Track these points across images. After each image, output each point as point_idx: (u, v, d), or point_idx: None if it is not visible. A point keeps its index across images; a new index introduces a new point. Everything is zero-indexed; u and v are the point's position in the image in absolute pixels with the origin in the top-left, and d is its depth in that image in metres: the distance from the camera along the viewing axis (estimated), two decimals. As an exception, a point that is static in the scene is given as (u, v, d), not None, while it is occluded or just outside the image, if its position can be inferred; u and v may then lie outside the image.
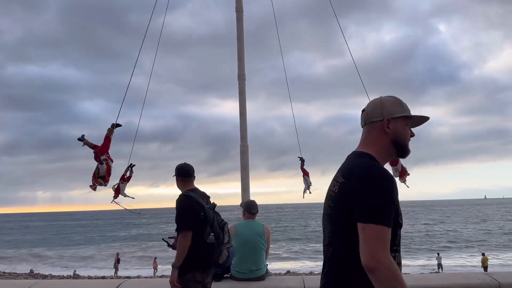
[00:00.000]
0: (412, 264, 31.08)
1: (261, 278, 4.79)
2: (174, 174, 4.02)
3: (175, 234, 3.82)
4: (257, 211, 5.03)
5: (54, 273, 27.86)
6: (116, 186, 8.58)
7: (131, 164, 9.95)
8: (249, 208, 5.02)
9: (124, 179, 9.73)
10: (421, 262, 31.44)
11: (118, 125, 8.25)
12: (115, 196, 8.63)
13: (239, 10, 7.85)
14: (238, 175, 7.70)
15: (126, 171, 9.91)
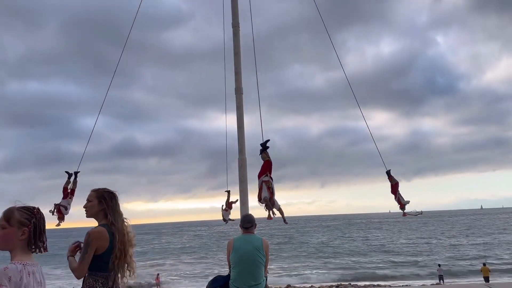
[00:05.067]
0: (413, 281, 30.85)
1: (260, 292, 4.74)
2: None
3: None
4: (253, 225, 4.97)
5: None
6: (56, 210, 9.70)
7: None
8: (242, 222, 5.00)
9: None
10: (423, 280, 31.17)
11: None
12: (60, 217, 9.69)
13: (235, 25, 8.00)
14: (237, 189, 7.71)
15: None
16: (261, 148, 7.28)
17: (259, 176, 7.13)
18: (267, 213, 7.33)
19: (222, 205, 12.25)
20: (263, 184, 7.05)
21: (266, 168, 7.16)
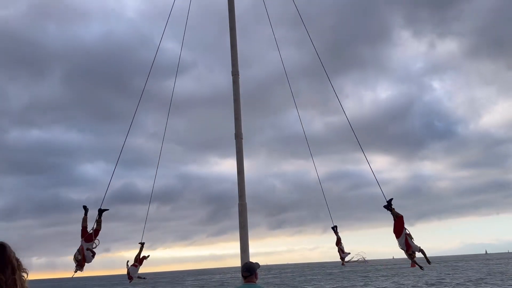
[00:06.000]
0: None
1: None
2: None
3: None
4: (252, 274, 4.83)
5: None
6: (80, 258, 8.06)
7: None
8: (241, 271, 4.89)
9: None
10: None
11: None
12: (80, 265, 8.07)
13: (235, 73, 8.27)
14: (237, 235, 7.58)
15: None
16: (387, 206, 7.83)
17: (398, 231, 7.63)
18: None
19: (128, 261, 10.27)
20: (407, 237, 7.57)
21: (403, 223, 7.68)
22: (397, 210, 7.96)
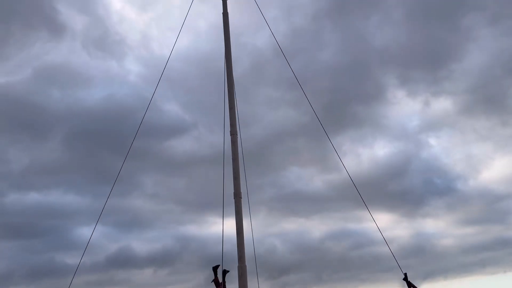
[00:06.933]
0: None
1: None
2: None
3: None
4: None
5: None
6: None
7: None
8: None
9: None
10: None
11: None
12: None
13: (233, 133, 8.35)
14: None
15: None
16: (405, 279, 8.57)
17: None
18: None
19: None
20: None
21: None
22: (404, 270, 8.67)
